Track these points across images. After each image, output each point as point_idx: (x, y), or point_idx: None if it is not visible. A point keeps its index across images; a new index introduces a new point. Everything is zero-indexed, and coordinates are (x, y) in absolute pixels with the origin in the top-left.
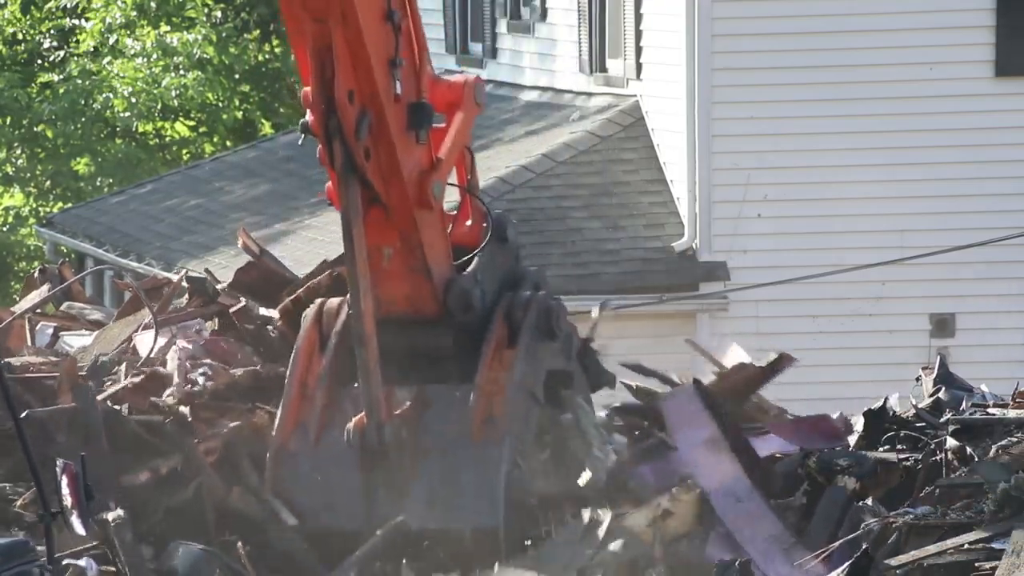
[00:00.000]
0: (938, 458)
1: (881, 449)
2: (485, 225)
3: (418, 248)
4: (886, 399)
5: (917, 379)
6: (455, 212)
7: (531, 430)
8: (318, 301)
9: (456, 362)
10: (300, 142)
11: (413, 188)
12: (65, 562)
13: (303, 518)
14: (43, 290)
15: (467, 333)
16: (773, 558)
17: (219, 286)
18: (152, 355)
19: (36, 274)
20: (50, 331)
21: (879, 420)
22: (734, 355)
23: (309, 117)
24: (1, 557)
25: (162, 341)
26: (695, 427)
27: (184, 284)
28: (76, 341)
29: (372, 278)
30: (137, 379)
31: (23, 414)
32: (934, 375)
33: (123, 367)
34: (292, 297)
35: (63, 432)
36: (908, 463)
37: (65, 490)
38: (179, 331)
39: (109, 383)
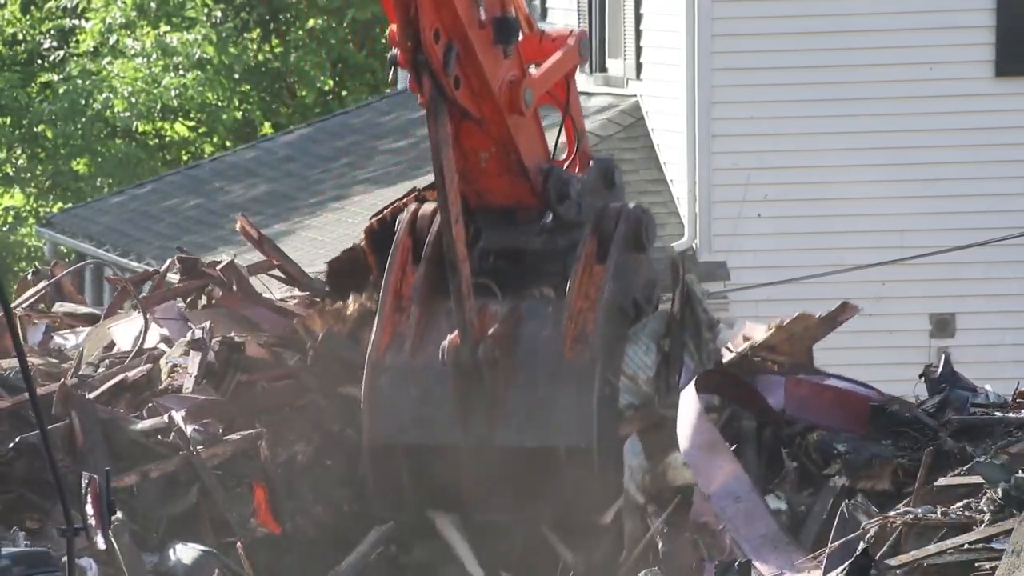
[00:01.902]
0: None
1: (883, 442)
2: (580, 158)
3: (514, 152)
4: (891, 399)
5: (921, 376)
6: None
7: (622, 346)
8: (411, 207)
9: (552, 263)
10: (389, 76)
11: (504, 97)
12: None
13: (398, 433)
14: (39, 287)
15: (562, 231)
16: (765, 556)
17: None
18: (140, 347)
19: (30, 276)
20: (43, 329)
21: (883, 416)
22: (753, 331)
23: (396, 51)
24: (23, 566)
25: (150, 332)
26: (696, 430)
27: (176, 268)
28: (69, 339)
29: (471, 175)
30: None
31: (15, 440)
32: (938, 374)
33: (105, 363)
34: (377, 216)
35: (59, 451)
36: (904, 460)
37: (90, 504)
38: (160, 313)
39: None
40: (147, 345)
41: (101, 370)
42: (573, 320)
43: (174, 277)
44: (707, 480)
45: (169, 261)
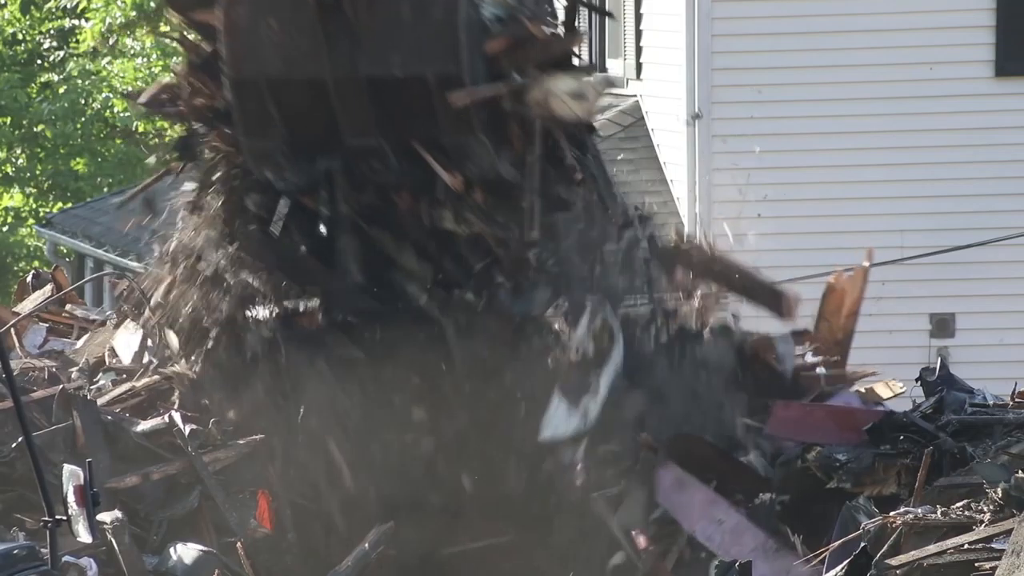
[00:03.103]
0: (937, 458)
1: (883, 447)
2: None
3: None
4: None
5: (917, 380)
6: None
7: None
8: None
9: None
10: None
11: None
12: (65, 559)
13: (262, 66)
14: (46, 290)
15: None
16: (761, 568)
17: None
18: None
19: (29, 279)
20: (43, 334)
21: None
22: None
23: None
24: (7, 562)
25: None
26: (662, 475)
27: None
28: (67, 343)
29: None
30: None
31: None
32: (935, 376)
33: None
34: None
35: (60, 451)
36: (907, 462)
37: (71, 497)
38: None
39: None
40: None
41: (103, 380)
42: None
43: None
44: (686, 516)
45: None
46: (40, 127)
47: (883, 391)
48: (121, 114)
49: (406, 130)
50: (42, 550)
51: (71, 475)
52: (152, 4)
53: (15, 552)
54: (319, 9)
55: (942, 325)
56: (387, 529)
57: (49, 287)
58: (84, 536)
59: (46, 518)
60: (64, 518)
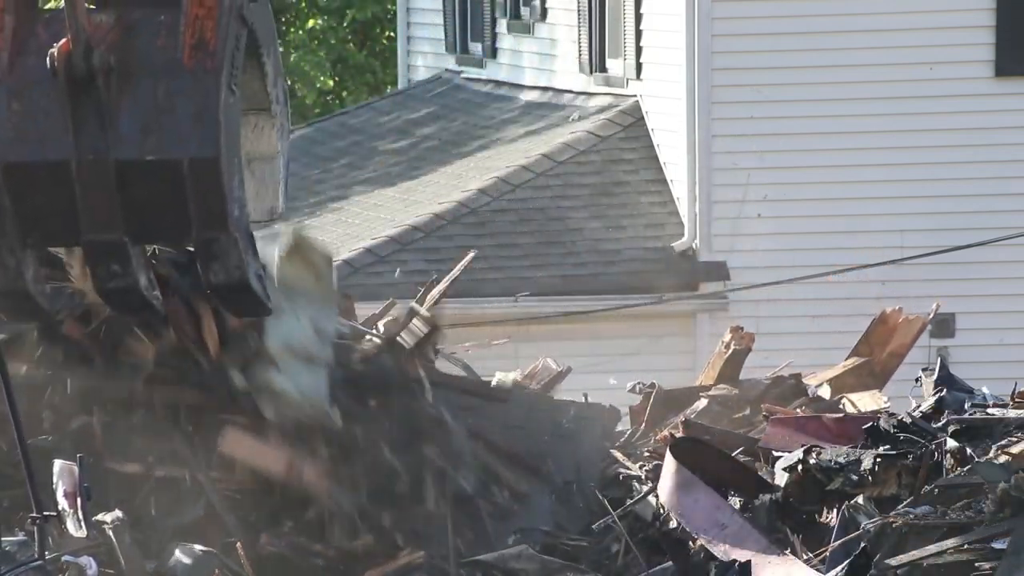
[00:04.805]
0: (937, 459)
1: (882, 448)
2: None
3: None
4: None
5: (917, 380)
6: None
7: (240, 52)
8: None
9: None
10: None
11: None
12: (64, 558)
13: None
14: None
15: None
16: (762, 571)
17: None
18: None
19: None
20: None
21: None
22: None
23: None
24: None
25: None
26: (669, 476)
27: None
28: None
29: None
30: None
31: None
32: (935, 377)
33: None
34: None
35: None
36: (907, 462)
37: (61, 491)
38: None
39: None
40: None
41: None
42: (191, 27)
43: None
44: (690, 519)
45: None
46: None
47: (868, 403)
48: None
49: (153, 225)
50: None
51: (61, 470)
52: None
53: (6, 549)
54: (70, 90)
55: (942, 325)
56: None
57: None
58: (76, 531)
59: (34, 514)
60: (53, 514)
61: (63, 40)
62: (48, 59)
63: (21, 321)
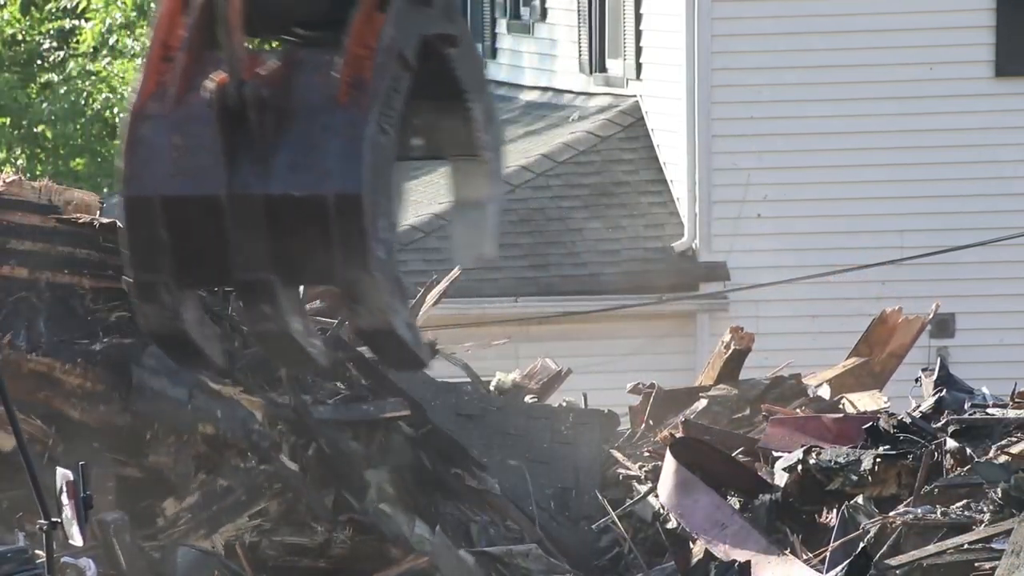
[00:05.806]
0: (937, 459)
1: (882, 448)
2: None
3: None
4: (878, 418)
5: (917, 380)
6: None
7: (400, 95)
8: None
9: (333, 31)
10: None
11: None
12: (64, 560)
13: (157, 184)
14: None
15: None
16: (762, 571)
17: None
18: None
19: None
20: None
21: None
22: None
23: None
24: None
25: None
26: (669, 476)
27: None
28: None
29: None
30: None
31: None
32: (935, 377)
33: None
34: None
35: None
36: (907, 462)
37: (65, 499)
38: None
39: None
40: None
41: None
42: (349, 66)
43: None
44: (690, 519)
45: None
46: (40, 127)
47: (868, 403)
48: (121, 114)
49: (301, 265)
50: (38, 552)
51: (63, 478)
52: (152, 4)
53: (8, 555)
54: (223, 123)
55: (942, 325)
56: None
57: None
58: (76, 539)
59: (42, 521)
60: (58, 520)
61: (222, 74)
62: (203, 90)
63: (186, 368)
